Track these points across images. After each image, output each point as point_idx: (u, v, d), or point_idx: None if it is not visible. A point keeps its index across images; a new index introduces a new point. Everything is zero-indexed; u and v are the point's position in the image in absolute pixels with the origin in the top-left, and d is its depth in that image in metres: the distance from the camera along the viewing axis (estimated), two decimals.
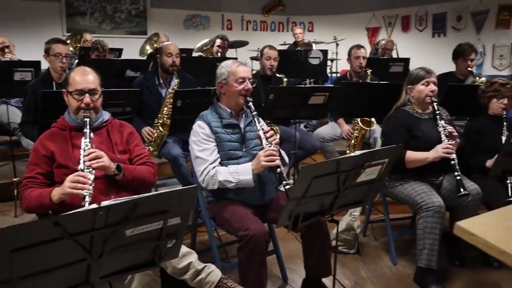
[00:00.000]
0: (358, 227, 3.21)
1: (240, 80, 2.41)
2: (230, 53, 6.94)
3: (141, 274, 1.77)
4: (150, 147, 3.49)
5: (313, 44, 6.24)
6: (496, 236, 0.73)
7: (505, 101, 3.11)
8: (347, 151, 4.27)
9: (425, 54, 6.86)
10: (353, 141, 4.18)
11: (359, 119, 4.04)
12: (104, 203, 1.16)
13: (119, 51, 5.87)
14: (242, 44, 6.82)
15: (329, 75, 7.12)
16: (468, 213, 2.81)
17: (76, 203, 1.91)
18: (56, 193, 1.95)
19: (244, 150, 2.45)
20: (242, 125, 2.50)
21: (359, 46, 4.44)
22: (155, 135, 3.41)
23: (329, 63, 7.11)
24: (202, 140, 2.38)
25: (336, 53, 7.06)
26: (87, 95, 2.13)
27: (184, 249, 1.94)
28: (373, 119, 4.04)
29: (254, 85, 2.50)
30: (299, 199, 1.67)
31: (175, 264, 1.87)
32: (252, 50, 7.44)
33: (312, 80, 5.32)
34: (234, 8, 8.19)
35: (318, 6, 8.70)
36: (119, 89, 2.97)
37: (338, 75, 6.88)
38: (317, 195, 1.73)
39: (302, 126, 5.18)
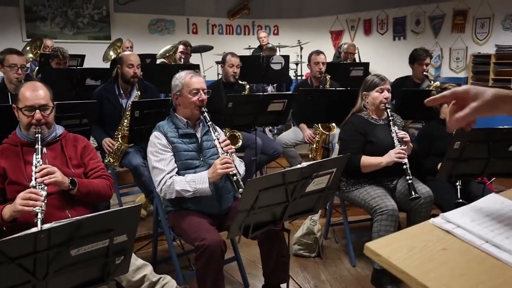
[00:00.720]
0: (318, 231, 3.30)
1: (194, 91, 2.45)
2: (195, 57, 6.94)
3: None
4: (110, 158, 3.48)
5: (277, 49, 6.31)
6: (399, 256, 0.78)
7: None
8: (310, 155, 4.37)
9: (387, 57, 7.05)
10: (314, 145, 4.28)
11: (320, 124, 4.13)
12: (46, 225, 1.18)
13: (81, 57, 5.78)
14: (207, 48, 6.83)
15: (294, 78, 7.22)
16: (421, 214, 2.94)
17: (29, 220, 1.90)
18: (8, 210, 1.93)
19: (201, 159, 2.48)
20: (199, 135, 2.53)
21: (318, 52, 4.54)
22: (115, 146, 3.40)
23: (293, 66, 7.22)
24: (159, 151, 2.40)
25: (301, 56, 7.17)
26: (37, 111, 2.11)
27: (139, 261, 1.96)
28: (333, 124, 4.15)
29: (209, 95, 2.54)
30: (248, 210, 1.72)
31: (130, 278, 1.89)
32: (218, 54, 7.45)
33: (275, 85, 5.39)
34: (199, 12, 8.19)
35: (282, 10, 8.80)
36: (75, 101, 2.95)
37: (304, 77, 6.98)
38: (266, 206, 1.78)
39: (267, 130, 5.26)
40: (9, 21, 6.39)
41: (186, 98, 2.46)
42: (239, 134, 3.89)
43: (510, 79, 5.70)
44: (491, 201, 1.04)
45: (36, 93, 2.14)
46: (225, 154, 2.36)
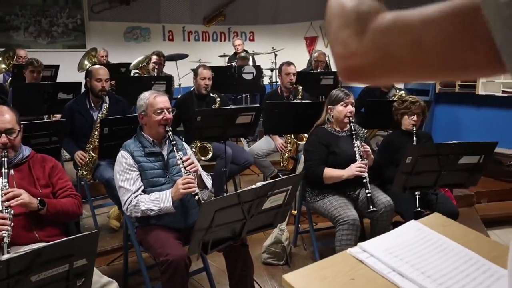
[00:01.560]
0: (286, 239, 3.42)
1: (159, 111, 2.55)
2: (171, 66, 7.00)
3: None
4: (83, 171, 3.55)
5: (250, 57, 6.42)
6: (313, 287, 0.89)
7: (415, 117, 3.40)
8: (281, 164, 4.50)
9: None
10: (286, 154, 4.40)
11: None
12: (4, 257, 1.26)
13: (55, 68, 5.79)
14: (182, 57, 6.90)
15: (269, 84, 7.35)
16: (383, 223, 3.09)
17: None
18: None
19: (167, 176, 2.58)
20: (165, 153, 2.62)
21: (289, 63, 4.67)
22: (87, 159, 3.47)
23: (269, 73, 7.35)
24: (125, 170, 2.49)
25: (275, 63, 7.29)
26: (3, 135, 2.17)
27: (104, 279, 2.05)
28: (306, 134, 4.28)
29: (173, 114, 2.63)
30: (205, 229, 1.82)
31: None
32: (194, 61, 7.53)
33: (248, 94, 5.50)
34: (175, 19, 8.25)
35: (257, 16, 8.92)
36: (43, 120, 3.01)
37: (279, 83, 7.10)
38: (223, 224, 1.89)
39: (242, 138, 5.36)
40: None
41: (151, 117, 2.55)
42: (209, 145, 3.99)
43: (475, 85, 5.92)
44: (410, 228, 1.17)
45: (2, 117, 2.20)
46: (188, 173, 2.45)
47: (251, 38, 9.09)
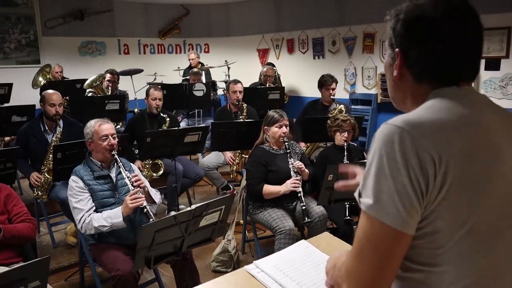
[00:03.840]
0: (233, 248, 3.72)
1: (104, 137, 2.80)
2: (126, 80, 7.16)
3: None
4: (38, 192, 3.73)
5: (203, 72, 6.69)
6: None
7: (346, 134, 3.78)
8: (231, 175, 4.81)
9: (308, 74, 7.64)
10: (235, 167, 4.72)
11: None
12: None
13: (9, 86, 5.86)
14: (137, 71, 7.09)
15: (223, 95, 7.63)
16: (318, 230, 3.44)
17: None
18: None
19: (117, 196, 2.83)
20: (113, 175, 2.88)
21: (236, 81, 4.99)
22: (42, 180, 3.65)
23: (223, 85, 7.64)
24: (77, 193, 2.73)
25: (228, 75, 7.59)
26: None
27: None
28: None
29: (118, 139, 2.89)
30: (147, 247, 2.10)
31: None
32: (150, 74, 7.73)
33: (199, 110, 5.78)
34: (130, 33, 8.40)
35: (211, 29, 9.21)
36: None
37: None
38: (164, 242, 2.17)
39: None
40: None
41: (97, 144, 2.80)
42: (161, 162, 4.25)
43: None
44: (299, 247, 1.49)
45: None
46: (136, 188, 2.71)
47: (206, 50, 9.37)
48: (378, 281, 0.88)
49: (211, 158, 4.77)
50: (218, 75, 7.86)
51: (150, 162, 4.24)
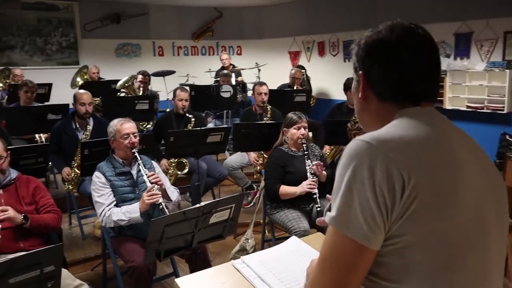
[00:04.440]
0: (251, 248, 3.80)
1: (125, 136, 2.95)
2: (159, 81, 7.40)
3: None
4: (69, 186, 3.95)
5: (232, 74, 6.82)
6: None
7: None
8: (254, 176, 4.90)
9: (338, 76, 7.58)
10: (258, 168, 4.80)
11: None
12: None
13: (49, 85, 6.20)
14: (170, 73, 7.31)
15: (252, 97, 7.72)
16: None
17: None
18: None
19: (136, 192, 2.97)
20: (134, 172, 3.02)
21: (261, 83, 5.08)
22: (72, 175, 3.86)
23: (252, 87, 7.73)
24: (99, 188, 2.89)
25: (259, 77, 7.69)
26: None
27: (76, 282, 2.43)
28: None
29: (138, 138, 3.03)
30: (158, 241, 2.21)
31: None
32: (182, 76, 7.94)
33: (227, 111, 5.90)
34: (164, 35, 8.66)
35: (244, 31, 9.35)
36: (30, 145, 3.42)
37: None
38: (174, 236, 2.28)
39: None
40: None
41: (119, 142, 2.96)
42: (186, 161, 4.39)
43: (442, 99, 6.31)
44: (290, 243, 1.55)
45: None
46: (154, 186, 2.84)
47: (239, 52, 9.51)
48: None
49: (235, 158, 4.86)
50: (249, 77, 7.97)
51: (176, 160, 4.38)
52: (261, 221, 4.18)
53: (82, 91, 4.04)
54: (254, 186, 4.95)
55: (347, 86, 5.17)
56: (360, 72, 1.04)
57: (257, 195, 4.04)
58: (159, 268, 3.63)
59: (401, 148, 0.90)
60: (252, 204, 4.92)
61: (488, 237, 0.96)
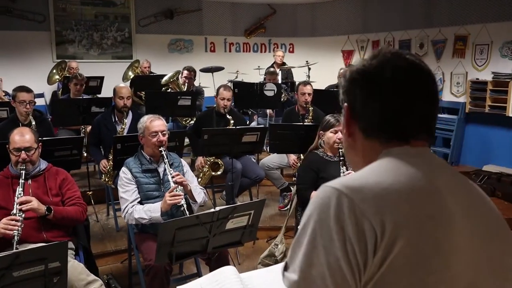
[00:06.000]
0: (281, 253, 3.67)
1: (154, 133, 2.91)
2: (208, 77, 7.42)
3: None
4: (106, 178, 4.02)
5: (279, 72, 6.68)
6: None
7: None
8: (293, 178, 4.76)
9: None
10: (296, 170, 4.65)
11: None
12: None
13: (101, 78, 6.41)
14: (218, 69, 7.30)
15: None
16: None
17: (10, 239, 2.42)
18: None
19: (162, 190, 2.94)
20: (161, 170, 2.99)
21: (305, 83, 4.91)
22: (108, 168, 3.93)
23: None
24: (124, 183, 2.89)
25: (309, 76, 7.49)
26: (23, 152, 2.63)
27: (91, 277, 2.43)
28: None
29: (167, 136, 2.98)
30: (169, 243, 2.15)
31: None
32: (231, 72, 7.92)
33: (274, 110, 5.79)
34: (217, 31, 8.69)
35: (297, 29, 9.17)
36: (65, 137, 3.51)
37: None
38: (187, 240, 2.21)
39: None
40: (42, 44, 7.13)
41: (147, 139, 2.93)
42: (221, 162, 4.31)
43: (505, 106, 5.80)
44: (225, 272, 1.42)
45: (22, 137, 2.66)
46: (177, 186, 2.79)
47: (291, 50, 9.35)
48: None
49: (273, 158, 4.74)
50: (299, 76, 7.80)
51: (212, 160, 4.33)
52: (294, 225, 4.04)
53: (122, 84, 4.11)
54: (292, 188, 4.80)
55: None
56: (345, 104, 0.93)
57: (291, 199, 3.90)
58: (185, 267, 3.62)
59: (376, 197, 0.75)
60: (288, 207, 4.77)
61: None
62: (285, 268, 0.80)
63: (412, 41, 7.19)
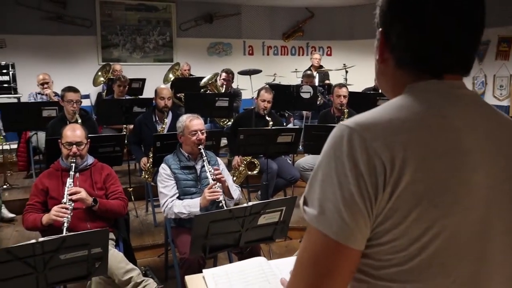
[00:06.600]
0: None
1: (193, 132, 3.04)
2: (245, 79, 7.55)
3: (96, 283, 2.43)
4: (146, 175, 4.20)
5: (316, 75, 6.71)
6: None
7: None
8: None
9: None
10: None
11: None
12: (40, 239, 1.82)
13: (142, 81, 6.66)
14: (256, 72, 7.41)
15: None
16: None
17: (59, 227, 2.60)
18: (45, 218, 2.66)
19: (199, 187, 3.06)
20: (198, 167, 3.11)
21: (341, 85, 4.93)
22: (148, 165, 4.10)
23: None
24: (164, 179, 3.02)
25: (346, 79, 7.48)
26: (74, 146, 2.83)
27: (129, 266, 2.58)
28: None
29: (205, 135, 3.10)
30: (203, 236, 2.25)
31: (120, 277, 2.51)
32: (269, 75, 8.02)
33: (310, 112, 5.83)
34: (255, 35, 8.83)
35: (335, 32, 9.17)
36: (109, 134, 3.70)
37: None
38: (220, 233, 2.30)
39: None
40: (89, 48, 7.52)
41: (187, 137, 3.06)
42: (257, 162, 4.40)
43: None
44: (254, 263, 1.50)
45: (74, 132, 2.87)
46: (215, 182, 2.89)
47: (329, 53, 9.36)
48: None
49: (308, 159, 4.78)
50: (336, 79, 7.79)
51: (248, 159, 4.43)
52: None
53: (162, 86, 4.29)
54: None
55: None
56: (380, 29, 0.89)
57: None
58: (219, 262, 3.72)
59: (387, 135, 0.77)
60: None
61: (488, 248, 0.82)
62: (305, 203, 0.83)
63: None
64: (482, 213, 0.81)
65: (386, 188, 0.76)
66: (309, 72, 6.68)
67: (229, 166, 4.66)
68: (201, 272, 2.72)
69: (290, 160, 5.09)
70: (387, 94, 0.94)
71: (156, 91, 4.27)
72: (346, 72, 7.56)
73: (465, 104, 0.85)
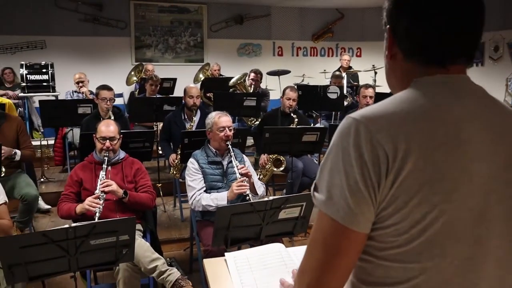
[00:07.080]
0: None
1: (221, 128, 3.14)
2: (274, 79, 7.63)
3: (123, 269, 2.56)
4: (174, 171, 4.34)
5: (344, 75, 6.71)
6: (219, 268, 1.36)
7: None
8: None
9: None
10: None
11: None
12: (73, 224, 1.96)
13: (173, 80, 6.85)
14: (285, 72, 7.48)
15: None
16: None
17: (92, 216, 2.75)
18: (79, 208, 2.82)
19: (225, 182, 3.16)
20: (225, 162, 3.21)
21: (367, 86, 4.94)
22: (176, 161, 4.24)
23: None
24: (192, 173, 3.14)
25: (375, 80, 7.45)
26: (108, 141, 2.98)
27: (155, 255, 2.70)
28: None
29: (233, 132, 3.20)
30: (225, 228, 2.34)
31: (146, 265, 2.63)
32: (298, 76, 8.06)
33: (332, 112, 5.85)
34: (285, 36, 8.90)
35: (365, 33, 9.12)
36: (139, 130, 3.85)
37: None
38: (241, 226, 2.39)
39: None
40: (123, 48, 7.79)
41: (215, 134, 3.16)
42: (283, 158, 4.47)
43: None
44: (273, 249, 1.57)
45: (108, 128, 3.02)
46: (243, 177, 2.99)
47: (358, 54, 9.32)
48: (326, 278, 0.88)
49: None
50: (366, 80, 7.76)
51: (274, 157, 4.50)
52: None
53: (191, 85, 4.41)
54: None
55: None
56: (388, 26, 0.96)
57: None
58: None
59: (391, 126, 0.84)
60: None
61: (485, 233, 0.87)
62: (315, 189, 0.91)
63: (486, 44, 6.90)
64: (481, 200, 0.86)
65: (388, 176, 0.83)
66: (337, 72, 6.69)
67: (256, 165, 4.75)
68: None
69: (316, 160, 5.13)
70: (395, 90, 0.99)
71: (185, 90, 4.41)
72: (375, 73, 7.51)
73: (469, 96, 0.91)
